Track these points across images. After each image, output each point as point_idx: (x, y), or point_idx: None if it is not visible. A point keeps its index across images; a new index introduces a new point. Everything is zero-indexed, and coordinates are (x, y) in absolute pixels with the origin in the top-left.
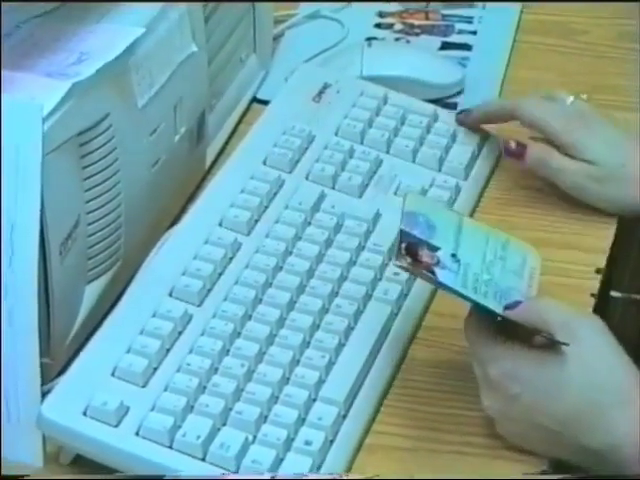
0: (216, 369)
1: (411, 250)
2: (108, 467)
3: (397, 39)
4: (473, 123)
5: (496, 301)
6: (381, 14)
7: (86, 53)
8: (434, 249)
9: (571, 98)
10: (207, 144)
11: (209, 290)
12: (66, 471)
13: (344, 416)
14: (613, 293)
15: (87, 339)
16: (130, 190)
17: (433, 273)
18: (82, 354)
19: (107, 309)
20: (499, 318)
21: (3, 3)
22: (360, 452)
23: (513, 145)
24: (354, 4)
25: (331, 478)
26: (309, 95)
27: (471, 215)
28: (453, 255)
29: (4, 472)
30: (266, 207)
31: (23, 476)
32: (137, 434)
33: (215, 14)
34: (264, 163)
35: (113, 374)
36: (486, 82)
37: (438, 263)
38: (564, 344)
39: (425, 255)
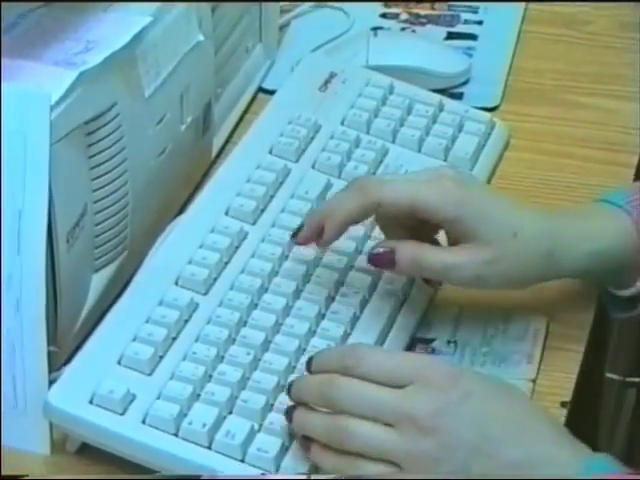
0: (222, 357)
1: None
2: (114, 455)
3: (403, 29)
4: (333, 237)
5: (495, 367)
6: (387, 4)
7: (93, 42)
8: (429, 341)
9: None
10: (213, 133)
11: (215, 279)
12: (72, 459)
13: None
14: (609, 375)
15: (94, 328)
16: (137, 179)
17: None
18: (88, 342)
19: (114, 298)
20: None
21: None
22: None
23: (381, 250)
24: None
25: None
26: (315, 84)
27: None
28: (449, 342)
29: (10, 462)
30: (272, 196)
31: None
32: (143, 422)
33: (221, 4)
34: (270, 152)
35: (119, 362)
36: (492, 72)
37: (433, 352)
38: None
39: (418, 349)
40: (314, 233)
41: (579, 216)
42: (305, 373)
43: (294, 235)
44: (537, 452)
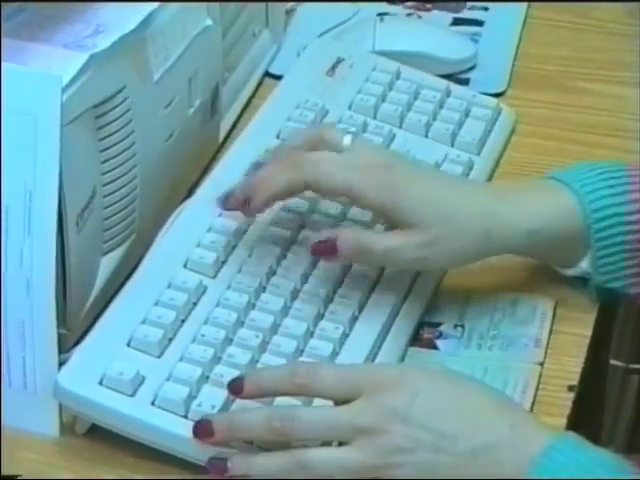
0: (231, 340)
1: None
2: (124, 437)
3: (409, 14)
4: (259, 208)
5: (502, 350)
6: None
7: (103, 25)
8: (436, 325)
9: (348, 139)
10: (221, 117)
11: (223, 262)
12: (82, 441)
13: None
14: (613, 362)
15: (103, 310)
16: (145, 162)
17: (435, 346)
18: (98, 324)
19: (123, 280)
20: None
21: None
22: None
23: (323, 238)
24: None
25: None
26: (322, 69)
27: None
28: (456, 325)
29: (19, 444)
30: None
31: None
32: (153, 404)
33: None
34: (277, 137)
35: (129, 344)
36: (498, 58)
37: (440, 335)
38: None
39: (426, 333)
40: (243, 200)
41: (521, 194)
42: (244, 404)
43: (225, 199)
44: (493, 437)
